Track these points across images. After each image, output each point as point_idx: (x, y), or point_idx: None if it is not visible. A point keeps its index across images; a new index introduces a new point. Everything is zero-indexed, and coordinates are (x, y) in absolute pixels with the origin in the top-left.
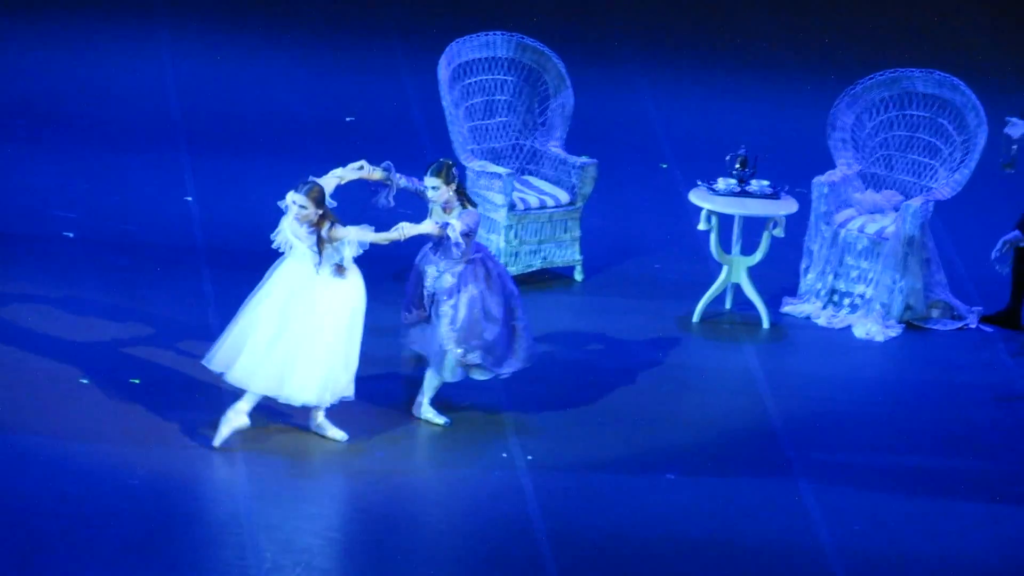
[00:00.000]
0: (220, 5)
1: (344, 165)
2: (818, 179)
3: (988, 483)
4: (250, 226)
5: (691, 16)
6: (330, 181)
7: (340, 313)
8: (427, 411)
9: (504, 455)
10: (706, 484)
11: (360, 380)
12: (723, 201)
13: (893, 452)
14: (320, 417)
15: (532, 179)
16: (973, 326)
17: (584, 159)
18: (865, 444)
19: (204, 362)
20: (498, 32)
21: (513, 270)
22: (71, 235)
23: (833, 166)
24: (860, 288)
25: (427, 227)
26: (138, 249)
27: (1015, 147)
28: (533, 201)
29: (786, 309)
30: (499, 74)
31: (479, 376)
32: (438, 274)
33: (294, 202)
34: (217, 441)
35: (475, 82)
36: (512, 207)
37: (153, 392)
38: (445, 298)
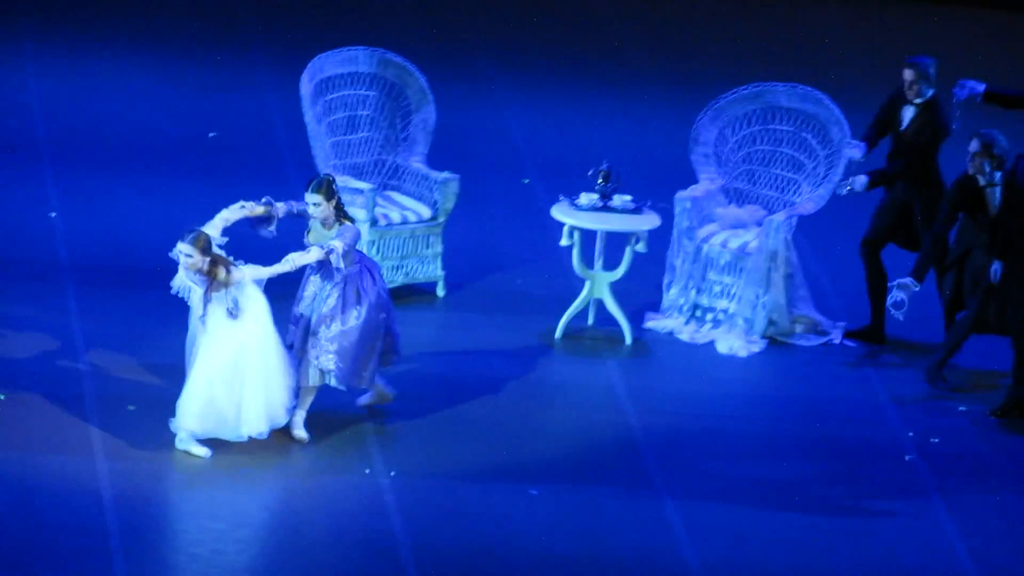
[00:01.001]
0: (83, 20)
1: (207, 183)
2: (681, 194)
3: (852, 497)
4: (113, 241)
5: (554, 31)
6: (217, 224)
7: (258, 343)
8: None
9: (367, 471)
10: (570, 499)
11: None
12: (586, 216)
13: (757, 467)
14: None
15: (394, 194)
16: (837, 341)
17: (446, 174)
18: (729, 459)
19: (172, 425)
20: (360, 47)
21: None
22: None
23: (696, 181)
24: (723, 303)
25: (314, 254)
26: (1, 264)
27: (852, 173)
28: (395, 216)
29: (649, 324)
30: (361, 89)
31: (332, 383)
32: (318, 292)
33: (181, 252)
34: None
35: (338, 97)
36: (374, 222)
37: (17, 409)
38: (328, 319)
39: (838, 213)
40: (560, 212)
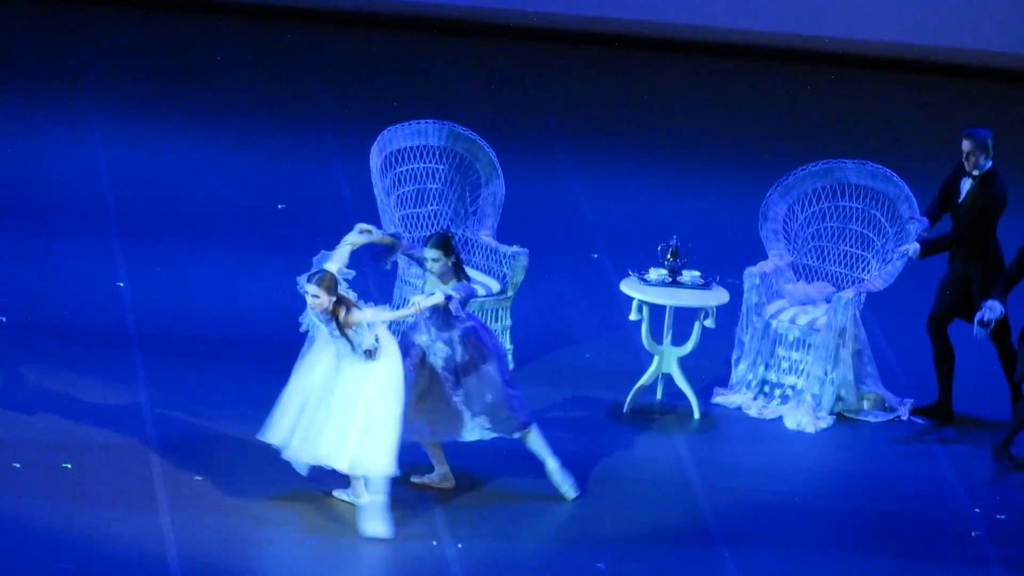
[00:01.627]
0: (152, 91)
1: (275, 254)
2: (750, 270)
3: (915, 573)
4: (181, 311)
5: (623, 105)
6: (343, 252)
7: (373, 386)
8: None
9: (434, 542)
10: (638, 572)
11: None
12: (654, 291)
13: (825, 544)
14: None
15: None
16: (905, 418)
17: (515, 248)
18: (797, 535)
19: (259, 435)
20: (430, 120)
21: None
22: (3, 319)
23: (765, 257)
24: (791, 379)
25: (437, 299)
26: (71, 334)
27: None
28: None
29: (717, 400)
30: (431, 162)
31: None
32: (431, 343)
33: (306, 292)
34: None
35: (407, 170)
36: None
37: (84, 477)
38: (441, 365)
39: (907, 290)
40: (629, 287)
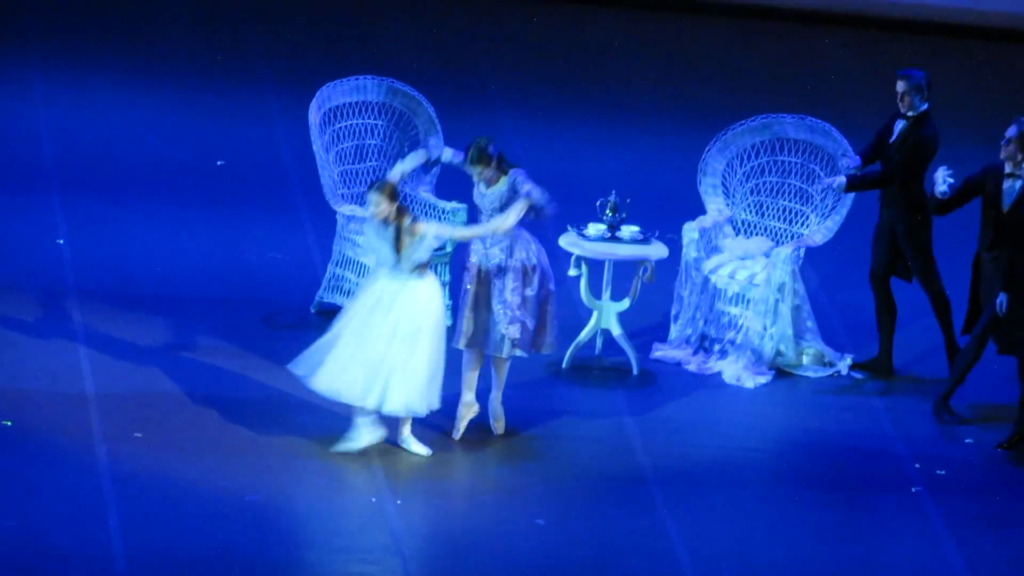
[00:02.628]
0: (92, 48)
1: (214, 210)
2: (688, 225)
3: (858, 529)
4: (120, 268)
5: (563, 61)
6: (395, 176)
7: (422, 324)
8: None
9: (373, 499)
10: (576, 529)
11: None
12: (593, 247)
13: (763, 497)
14: (406, 431)
15: None
16: (844, 373)
17: (454, 204)
18: (735, 489)
19: (290, 366)
20: (369, 76)
21: None
22: None
23: (704, 212)
24: (730, 334)
25: (514, 216)
26: (10, 291)
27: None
28: None
29: (656, 355)
30: (370, 118)
31: (518, 354)
32: (486, 250)
33: (369, 202)
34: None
35: (346, 126)
36: None
37: (25, 435)
38: (493, 272)
39: (846, 244)
40: (568, 242)
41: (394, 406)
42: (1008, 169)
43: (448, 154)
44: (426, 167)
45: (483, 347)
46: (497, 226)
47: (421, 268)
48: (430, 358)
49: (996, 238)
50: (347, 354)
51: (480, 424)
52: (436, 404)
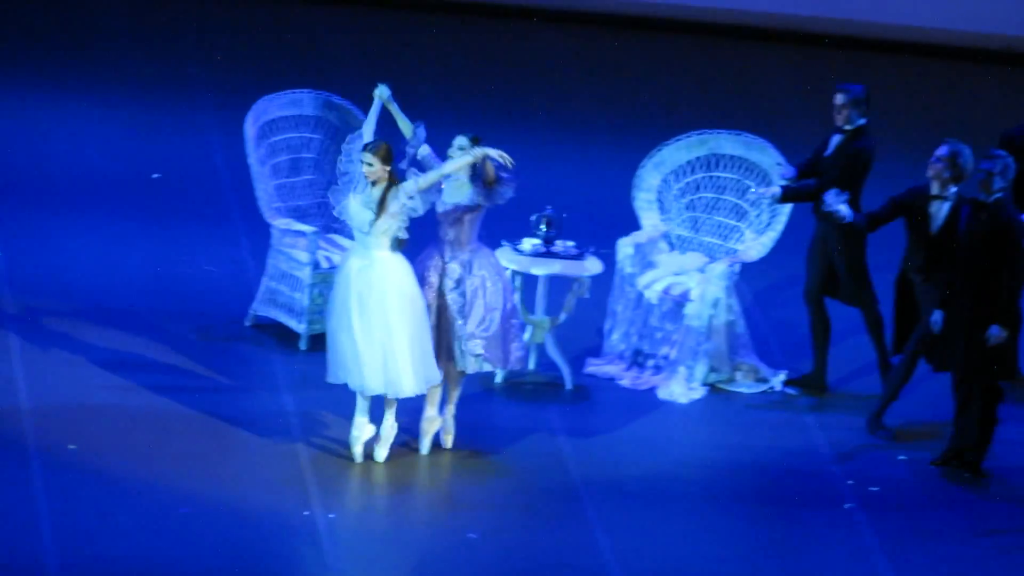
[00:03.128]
0: (27, 59)
1: (150, 224)
2: (623, 240)
3: (791, 546)
4: (56, 281)
5: (499, 75)
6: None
7: (394, 301)
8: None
9: (306, 512)
10: (509, 542)
11: None
12: (528, 261)
13: (695, 512)
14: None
15: (337, 237)
16: (778, 389)
17: None
18: (667, 504)
19: (330, 379)
20: (305, 90)
21: (317, 329)
22: None
23: (639, 227)
24: (664, 349)
25: (469, 159)
26: None
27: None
28: (338, 259)
29: (590, 370)
30: (306, 132)
31: (487, 368)
32: (445, 264)
33: (363, 161)
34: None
35: (282, 140)
36: (316, 266)
37: None
38: (452, 286)
39: (781, 260)
40: (503, 257)
41: (410, 387)
42: (935, 190)
43: (424, 150)
44: (406, 145)
45: (448, 360)
46: (456, 166)
47: (398, 243)
48: (412, 334)
49: (927, 260)
50: (362, 351)
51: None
52: (437, 378)
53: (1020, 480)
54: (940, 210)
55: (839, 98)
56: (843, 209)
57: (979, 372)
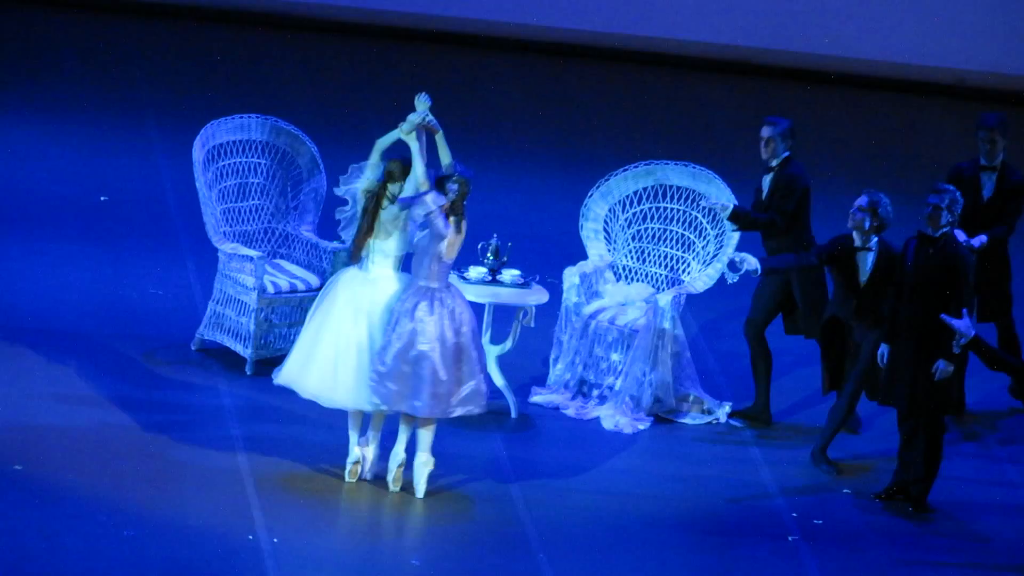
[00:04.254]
0: None
1: (97, 246)
2: (569, 270)
3: None
4: (2, 302)
5: (446, 104)
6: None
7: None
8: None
9: (250, 536)
10: (451, 569)
11: None
12: (474, 290)
13: (639, 543)
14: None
15: (283, 263)
16: (723, 421)
17: (335, 244)
18: (611, 534)
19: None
20: (253, 115)
21: (264, 354)
22: None
23: (585, 257)
24: (609, 380)
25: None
26: None
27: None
28: (284, 284)
29: (535, 399)
30: (253, 157)
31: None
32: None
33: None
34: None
35: (229, 164)
36: (263, 290)
37: None
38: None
39: (726, 292)
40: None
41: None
42: (858, 242)
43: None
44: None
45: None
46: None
47: (397, 259)
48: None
49: (859, 308)
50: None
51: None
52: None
53: (965, 515)
54: (866, 261)
55: (766, 131)
56: (750, 262)
57: (925, 407)
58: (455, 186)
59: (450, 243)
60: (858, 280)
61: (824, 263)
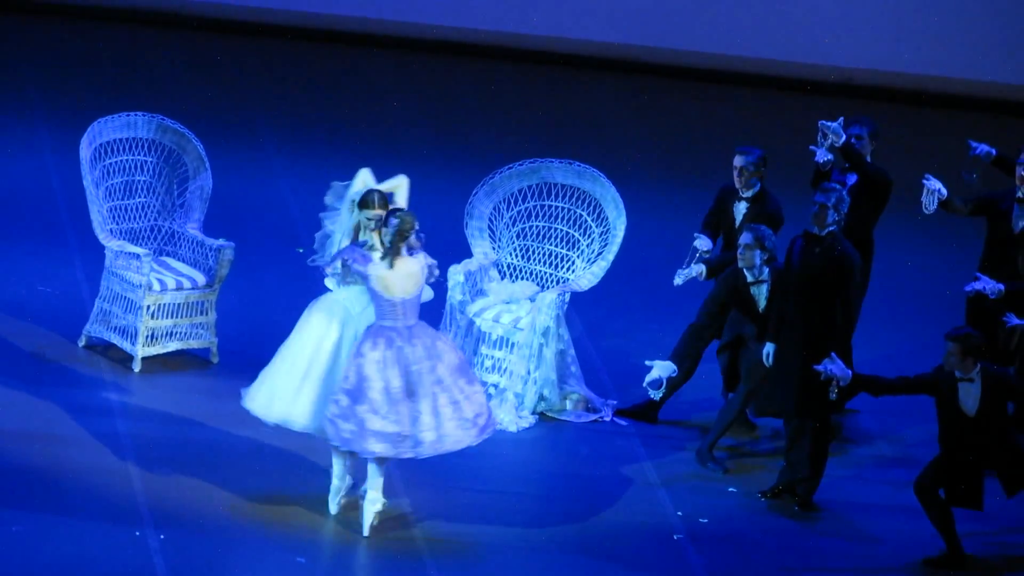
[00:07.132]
0: None
1: None
2: (454, 268)
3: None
4: None
5: (332, 101)
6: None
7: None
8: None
9: (137, 532)
10: (336, 564)
11: None
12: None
13: (523, 541)
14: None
15: (170, 260)
16: (608, 419)
17: (221, 242)
18: (497, 535)
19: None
20: (139, 113)
21: (150, 351)
22: None
23: (470, 255)
24: (494, 378)
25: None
26: None
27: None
28: (170, 282)
29: None
30: (140, 155)
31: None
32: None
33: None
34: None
35: (116, 162)
36: (149, 288)
37: None
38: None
39: (611, 290)
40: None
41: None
42: (750, 277)
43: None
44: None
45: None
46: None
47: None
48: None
49: (760, 331)
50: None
51: (245, 464)
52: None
53: (851, 514)
54: (761, 292)
55: (738, 160)
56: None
57: (811, 406)
58: (395, 220)
59: (382, 279)
60: (758, 310)
61: (723, 308)
